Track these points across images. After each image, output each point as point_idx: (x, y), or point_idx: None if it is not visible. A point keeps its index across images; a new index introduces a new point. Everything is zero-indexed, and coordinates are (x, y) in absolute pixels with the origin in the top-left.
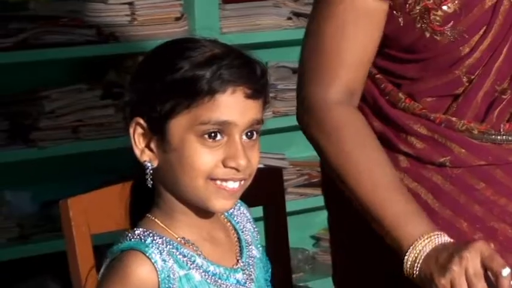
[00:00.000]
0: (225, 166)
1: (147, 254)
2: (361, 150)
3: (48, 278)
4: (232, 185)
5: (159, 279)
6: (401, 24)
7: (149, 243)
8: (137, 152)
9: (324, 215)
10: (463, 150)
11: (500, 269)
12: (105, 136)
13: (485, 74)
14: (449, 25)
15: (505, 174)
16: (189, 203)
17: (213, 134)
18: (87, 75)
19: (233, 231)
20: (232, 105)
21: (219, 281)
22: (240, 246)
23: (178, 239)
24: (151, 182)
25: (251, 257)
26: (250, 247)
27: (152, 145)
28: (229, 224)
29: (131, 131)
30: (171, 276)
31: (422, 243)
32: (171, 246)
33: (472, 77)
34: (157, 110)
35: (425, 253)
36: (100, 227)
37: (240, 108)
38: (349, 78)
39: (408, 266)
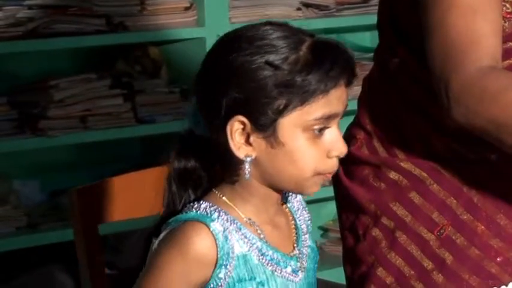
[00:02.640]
0: (329, 157)
1: (211, 229)
2: None
3: (56, 268)
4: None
5: (218, 256)
6: None
7: (214, 218)
8: (234, 148)
9: (332, 205)
10: None
11: None
12: (114, 125)
13: None
14: None
15: None
16: (277, 189)
17: (321, 128)
18: (96, 65)
19: (291, 217)
20: (339, 97)
21: (275, 265)
22: (296, 234)
23: (245, 219)
24: (248, 174)
25: (305, 246)
26: (305, 236)
27: (252, 140)
28: (287, 210)
29: (229, 128)
30: (230, 254)
31: None
32: (235, 225)
33: None
34: (268, 109)
35: None
36: (108, 217)
37: (342, 98)
38: (491, 47)
39: None
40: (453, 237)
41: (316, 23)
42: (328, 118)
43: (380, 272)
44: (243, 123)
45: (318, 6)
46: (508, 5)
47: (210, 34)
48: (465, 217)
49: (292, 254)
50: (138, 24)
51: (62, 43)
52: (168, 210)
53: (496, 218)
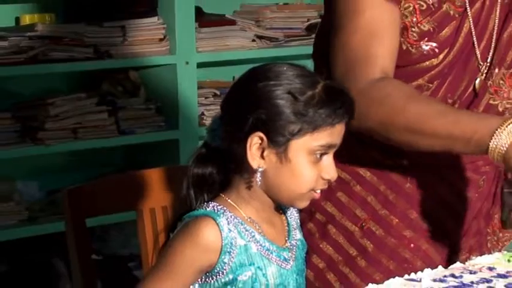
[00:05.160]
0: (322, 178)
1: (217, 222)
2: (418, 101)
3: (54, 255)
4: (320, 191)
5: (222, 244)
6: None
7: (220, 214)
8: (250, 158)
9: None
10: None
11: None
12: (100, 136)
13: (440, 84)
14: (424, 40)
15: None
16: (273, 198)
17: (322, 154)
18: (86, 86)
19: (283, 216)
20: (341, 131)
21: (271, 255)
22: (288, 230)
23: (246, 217)
24: (259, 182)
25: (295, 239)
26: (295, 231)
27: (266, 154)
28: (281, 210)
29: (249, 141)
30: (233, 243)
31: (505, 129)
32: (237, 221)
33: (431, 85)
34: (284, 130)
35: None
36: (94, 212)
37: (342, 132)
38: (384, 65)
39: (496, 151)
40: (373, 229)
41: (268, 52)
42: (329, 146)
43: (314, 258)
44: (261, 138)
45: (269, 38)
46: (415, 34)
47: (180, 61)
48: (382, 212)
49: (284, 246)
50: (120, 52)
51: (57, 68)
52: (184, 209)
53: (408, 212)
